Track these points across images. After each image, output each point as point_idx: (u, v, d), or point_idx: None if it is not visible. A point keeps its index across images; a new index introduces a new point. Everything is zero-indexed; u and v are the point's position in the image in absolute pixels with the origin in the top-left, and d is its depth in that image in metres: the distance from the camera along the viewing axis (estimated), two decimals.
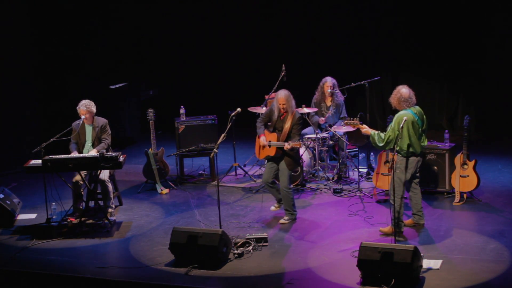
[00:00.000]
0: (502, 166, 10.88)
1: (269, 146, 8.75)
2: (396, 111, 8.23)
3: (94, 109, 9.24)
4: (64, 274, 7.67)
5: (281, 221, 8.89)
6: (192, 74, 14.12)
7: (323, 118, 10.58)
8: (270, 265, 7.69)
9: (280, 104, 8.74)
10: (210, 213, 9.32)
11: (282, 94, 8.77)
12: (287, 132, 8.72)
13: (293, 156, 8.81)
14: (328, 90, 10.59)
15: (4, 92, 11.81)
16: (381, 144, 8.12)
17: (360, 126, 8.30)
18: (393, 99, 8.22)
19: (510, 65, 12.30)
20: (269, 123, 8.93)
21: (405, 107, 8.14)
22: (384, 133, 8.11)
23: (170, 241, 7.82)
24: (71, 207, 9.18)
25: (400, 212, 8.12)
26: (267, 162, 8.97)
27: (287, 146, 8.56)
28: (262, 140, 8.81)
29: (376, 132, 8.18)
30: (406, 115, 8.03)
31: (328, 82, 10.61)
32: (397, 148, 8.08)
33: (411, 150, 8.12)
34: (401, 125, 8.07)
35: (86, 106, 9.17)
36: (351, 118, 8.42)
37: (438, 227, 8.51)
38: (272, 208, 9.20)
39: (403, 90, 8.17)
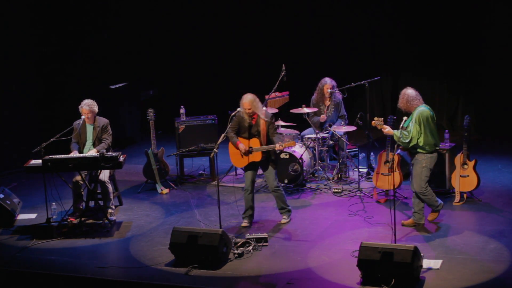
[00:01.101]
0: (502, 166, 10.88)
1: (251, 152, 8.65)
2: (406, 114, 8.32)
3: (96, 109, 9.25)
4: (64, 274, 7.67)
5: (282, 221, 8.88)
6: (192, 74, 14.12)
7: (324, 116, 10.57)
8: (270, 265, 7.69)
9: (245, 109, 8.58)
10: (210, 213, 9.32)
11: (247, 99, 8.60)
12: (265, 134, 8.64)
13: (276, 155, 8.82)
14: (328, 90, 10.58)
15: (4, 92, 11.80)
16: (407, 140, 8.22)
17: (383, 126, 8.34)
18: (401, 103, 8.34)
19: (510, 65, 12.30)
20: (240, 130, 8.72)
21: (417, 104, 8.27)
22: (407, 130, 8.21)
23: (170, 241, 7.82)
24: (71, 207, 9.19)
25: (433, 199, 8.41)
26: (246, 170, 8.80)
27: (278, 147, 8.51)
28: (242, 146, 8.60)
29: (398, 130, 8.27)
30: (424, 111, 8.21)
31: (328, 84, 10.60)
32: (421, 145, 8.22)
33: (434, 144, 8.27)
34: (401, 125, 8.11)
35: (88, 106, 9.19)
36: (378, 118, 8.42)
37: (438, 227, 8.51)
38: (244, 224, 8.82)
39: (409, 91, 8.31)
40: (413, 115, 8.25)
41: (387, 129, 8.35)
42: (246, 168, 8.81)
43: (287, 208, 8.92)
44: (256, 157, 8.66)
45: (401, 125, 8.20)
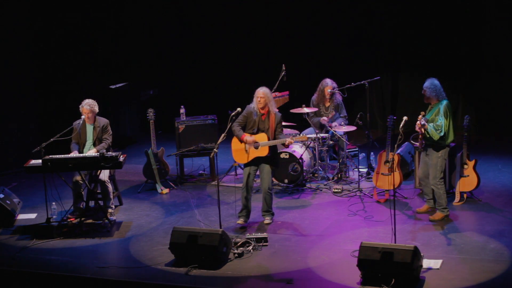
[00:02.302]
0: (502, 166, 10.88)
1: (257, 147, 8.67)
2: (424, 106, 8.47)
3: (96, 109, 9.26)
4: (64, 274, 7.67)
5: (265, 221, 8.86)
6: (192, 74, 14.11)
7: (325, 118, 10.55)
8: (270, 265, 7.69)
9: (258, 97, 8.65)
10: (210, 213, 9.32)
11: (263, 89, 8.72)
12: (273, 130, 8.70)
13: (277, 154, 8.88)
14: (328, 91, 10.57)
15: (4, 92, 11.80)
16: (442, 134, 8.31)
17: (422, 120, 8.31)
18: (431, 91, 8.47)
19: (510, 65, 12.30)
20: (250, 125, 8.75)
21: (444, 97, 8.42)
22: (438, 124, 8.30)
23: (170, 241, 7.82)
24: (71, 206, 9.19)
25: (443, 196, 8.61)
26: (246, 166, 8.81)
27: (290, 141, 8.53)
28: (249, 138, 8.63)
29: (431, 124, 8.33)
30: (450, 105, 8.38)
31: (329, 85, 10.59)
32: (444, 138, 8.34)
33: (452, 139, 8.45)
34: (401, 125, 8.10)
35: (89, 105, 9.20)
36: (423, 112, 8.39)
37: (438, 227, 8.50)
38: (240, 222, 8.80)
39: (436, 82, 8.43)
40: (439, 108, 8.33)
41: (423, 122, 8.31)
42: (247, 164, 8.80)
43: (271, 211, 8.95)
44: (263, 151, 8.67)
45: (400, 125, 8.17)
